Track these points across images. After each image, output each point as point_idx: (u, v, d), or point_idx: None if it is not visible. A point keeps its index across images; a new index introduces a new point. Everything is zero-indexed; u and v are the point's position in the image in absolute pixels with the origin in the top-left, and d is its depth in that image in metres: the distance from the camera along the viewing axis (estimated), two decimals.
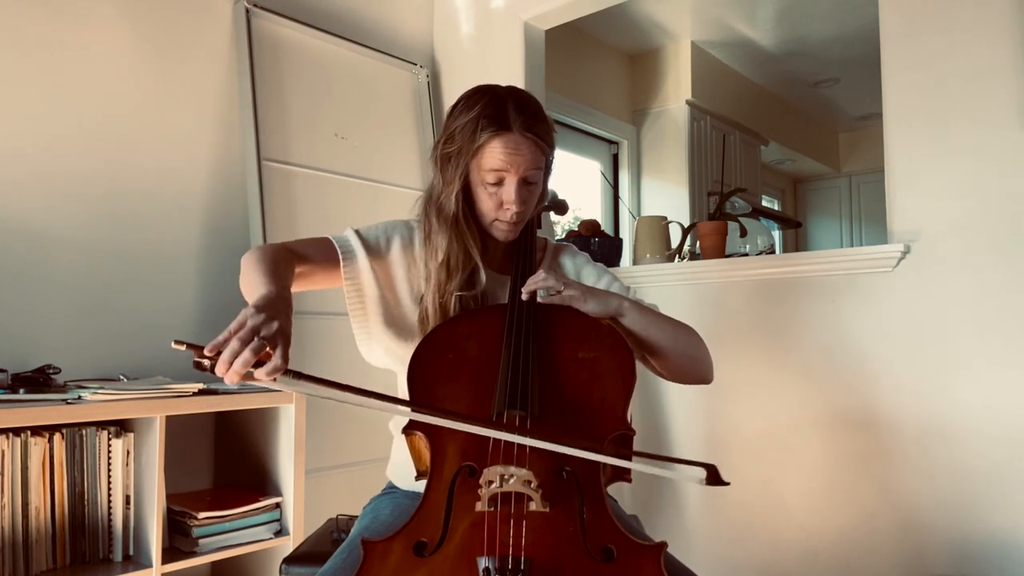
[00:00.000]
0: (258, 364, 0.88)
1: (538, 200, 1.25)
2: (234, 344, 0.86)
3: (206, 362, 0.87)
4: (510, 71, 2.63)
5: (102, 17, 1.99)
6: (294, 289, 1.14)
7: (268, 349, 0.88)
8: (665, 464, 0.97)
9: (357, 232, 1.24)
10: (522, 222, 1.22)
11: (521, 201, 1.17)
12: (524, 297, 1.14)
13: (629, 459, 0.98)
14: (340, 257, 1.21)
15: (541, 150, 1.17)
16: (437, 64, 2.87)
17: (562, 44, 3.60)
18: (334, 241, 1.23)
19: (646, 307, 1.21)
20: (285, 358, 0.89)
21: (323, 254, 1.20)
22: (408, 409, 1.04)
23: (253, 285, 1.04)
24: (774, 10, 3.80)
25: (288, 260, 1.13)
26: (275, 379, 0.89)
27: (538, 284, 1.14)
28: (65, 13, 1.92)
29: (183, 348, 0.86)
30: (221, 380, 0.88)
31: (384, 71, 2.66)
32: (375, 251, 1.24)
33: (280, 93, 2.33)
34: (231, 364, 0.86)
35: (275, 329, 0.90)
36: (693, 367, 1.23)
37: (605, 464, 1.00)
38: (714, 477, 0.90)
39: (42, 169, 1.87)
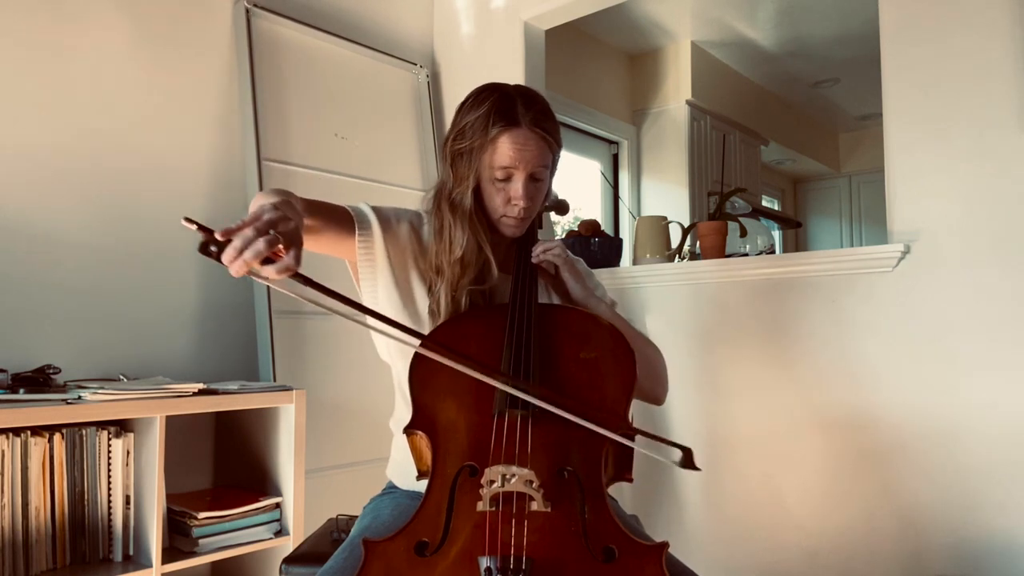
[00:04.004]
0: (267, 262, 0.83)
1: (543, 199, 1.27)
2: (248, 232, 0.82)
3: (213, 247, 0.82)
4: (510, 71, 2.62)
5: (102, 17, 1.99)
6: None
7: (281, 247, 0.84)
8: (649, 442, 1.00)
9: (371, 207, 1.24)
10: (529, 218, 1.23)
11: (528, 197, 1.19)
12: (535, 260, 1.24)
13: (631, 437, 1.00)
14: (356, 226, 1.20)
15: (549, 146, 1.19)
16: (437, 64, 2.87)
17: (562, 44, 3.60)
18: (350, 210, 1.21)
19: (620, 317, 1.29)
20: (298, 259, 0.85)
21: (337, 217, 1.19)
22: (416, 341, 0.99)
23: (266, 200, 0.99)
24: (774, 10, 3.80)
25: (300, 202, 1.09)
26: (282, 279, 0.85)
27: (550, 254, 1.25)
28: (65, 14, 1.92)
29: (194, 228, 0.81)
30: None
31: (384, 71, 2.66)
32: (388, 228, 1.23)
33: (280, 93, 2.32)
34: (241, 252, 0.81)
35: (291, 228, 0.87)
36: (653, 384, 1.27)
37: (607, 464, 1.00)
38: (688, 460, 0.97)
39: (41, 169, 1.86)
